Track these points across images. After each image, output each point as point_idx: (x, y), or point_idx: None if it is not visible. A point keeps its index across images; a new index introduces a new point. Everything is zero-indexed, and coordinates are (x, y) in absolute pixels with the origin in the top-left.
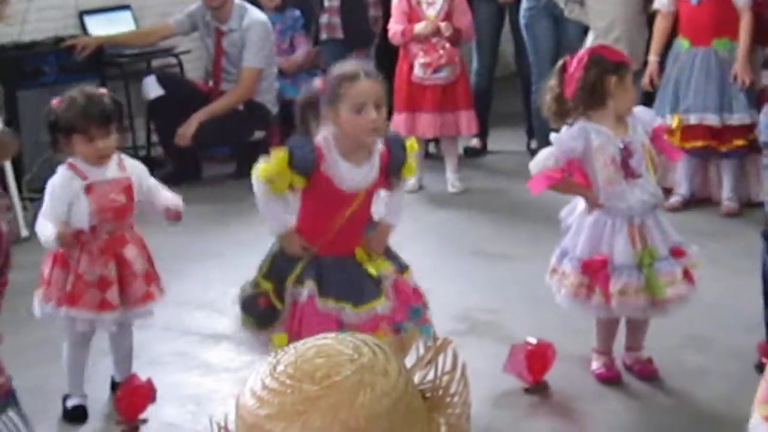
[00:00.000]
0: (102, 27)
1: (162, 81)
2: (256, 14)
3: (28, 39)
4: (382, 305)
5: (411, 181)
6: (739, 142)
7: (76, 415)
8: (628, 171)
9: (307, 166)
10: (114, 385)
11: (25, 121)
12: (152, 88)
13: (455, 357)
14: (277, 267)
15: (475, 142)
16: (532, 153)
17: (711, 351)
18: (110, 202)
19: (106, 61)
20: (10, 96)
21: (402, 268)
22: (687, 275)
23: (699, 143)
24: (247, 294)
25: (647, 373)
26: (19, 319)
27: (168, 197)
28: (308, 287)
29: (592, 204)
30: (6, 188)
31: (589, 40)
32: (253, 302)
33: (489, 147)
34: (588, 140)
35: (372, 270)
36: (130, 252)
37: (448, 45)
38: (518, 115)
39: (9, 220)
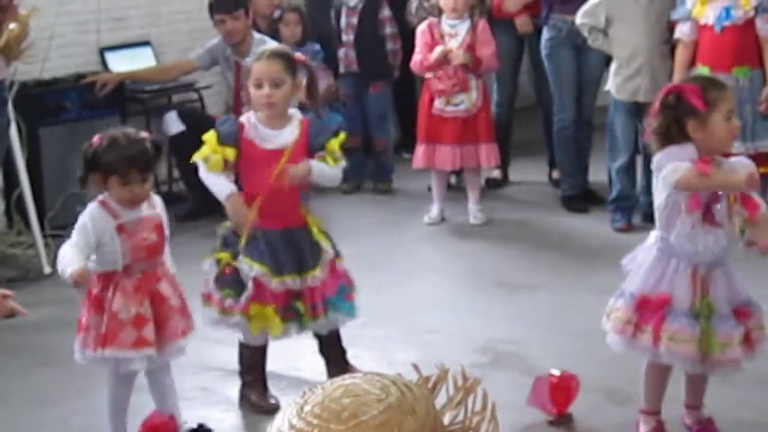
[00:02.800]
0: (123, 63)
1: (183, 116)
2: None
3: (49, 76)
4: (314, 276)
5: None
6: (765, 170)
7: None
8: (708, 216)
9: (232, 137)
10: None
11: (46, 157)
12: (173, 124)
13: (485, 397)
14: (228, 241)
15: (496, 173)
16: (554, 183)
17: (733, 380)
18: (142, 241)
19: (128, 97)
20: (32, 133)
21: (337, 252)
22: (748, 339)
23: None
24: (215, 275)
25: None
26: (41, 356)
27: None
28: (256, 269)
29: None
30: (28, 225)
31: (612, 70)
32: (221, 276)
33: (510, 178)
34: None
35: (322, 238)
36: (165, 288)
37: (461, 73)
38: (539, 145)
39: (30, 258)
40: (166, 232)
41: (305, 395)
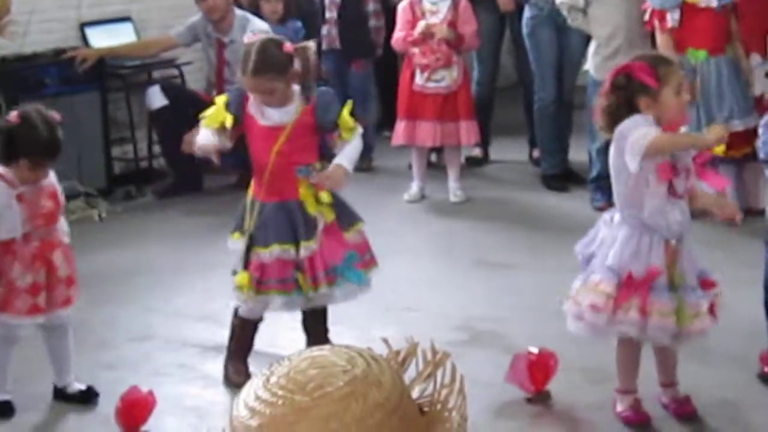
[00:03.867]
0: (103, 39)
1: (166, 91)
2: (258, 25)
3: (29, 51)
4: (307, 248)
5: (409, 191)
6: (748, 149)
7: (3, 410)
8: (671, 189)
9: (234, 105)
10: (57, 392)
11: None
12: (156, 98)
13: (454, 371)
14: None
15: (477, 152)
16: (535, 163)
17: (712, 361)
18: (40, 209)
19: (108, 73)
20: (12, 108)
21: (345, 224)
22: (712, 308)
23: (745, 149)
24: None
25: (685, 413)
26: None
27: None
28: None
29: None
30: None
31: (592, 49)
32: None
33: (491, 156)
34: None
35: (311, 209)
36: (58, 257)
37: (445, 47)
38: (520, 124)
39: None
40: (61, 199)
41: (272, 366)
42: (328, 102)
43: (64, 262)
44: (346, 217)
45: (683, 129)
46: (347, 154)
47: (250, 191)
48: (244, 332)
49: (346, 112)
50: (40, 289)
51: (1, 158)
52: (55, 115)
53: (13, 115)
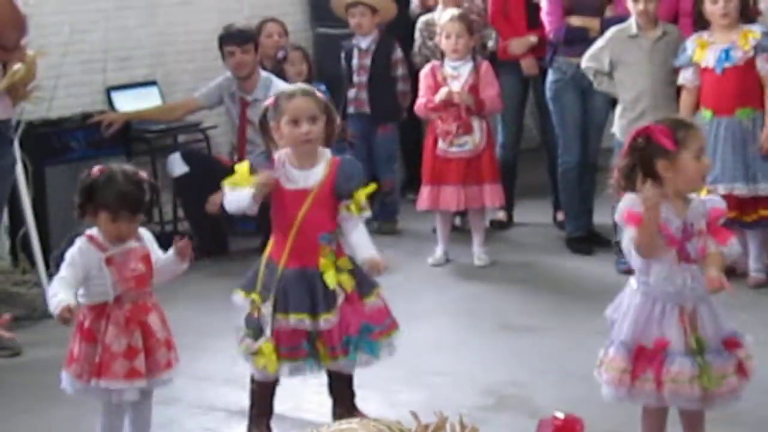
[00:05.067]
0: (129, 103)
1: (187, 158)
2: (282, 86)
3: (55, 115)
4: (326, 320)
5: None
6: (766, 213)
7: None
8: (683, 254)
9: (261, 167)
10: None
11: (52, 196)
12: (177, 166)
13: None
14: (263, 280)
15: (501, 215)
16: (559, 226)
17: (741, 423)
18: (131, 272)
19: (133, 137)
20: (38, 172)
21: (364, 291)
22: (740, 368)
23: (731, 214)
24: (246, 314)
25: None
26: (48, 396)
27: (169, 253)
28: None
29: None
30: (33, 264)
31: (618, 112)
32: (249, 317)
33: (515, 219)
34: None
35: (330, 281)
36: (153, 319)
37: (464, 114)
38: (544, 187)
39: (35, 297)
40: (154, 263)
41: None
42: (351, 172)
43: (160, 325)
44: (365, 282)
45: (712, 197)
46: (368, 242)
47: (267, 253)
48: (262, 396)
49: (365, 191)
50: (137, 352)
51: (82, 211)
52: (142, 173)
53: (95, 168)
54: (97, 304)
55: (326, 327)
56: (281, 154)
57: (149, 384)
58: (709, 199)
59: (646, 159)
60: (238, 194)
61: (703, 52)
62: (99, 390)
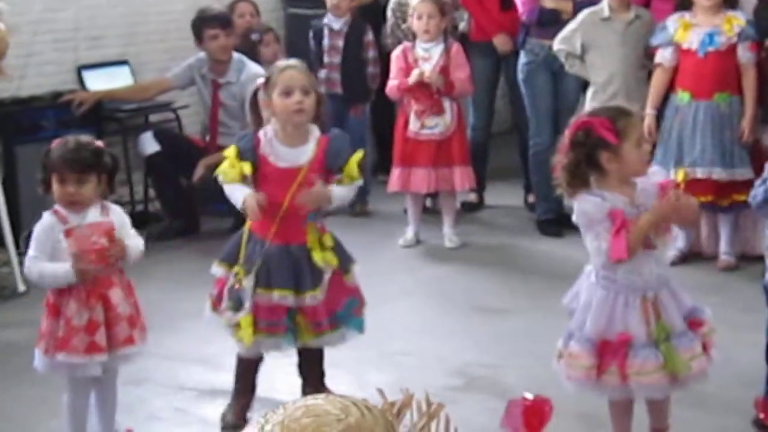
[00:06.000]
0: (100, 82)
1: (158, 137)
2: (254, 68)
3: (26, 94)
4: (312, 296)
5: (408, 236)
6: (740, 198)
7: None
8: (644, 241)
9: (249, 152)
10: None
11: (23, 176)
12: (148, 144)
13: (448, 422)
14: (246, 254)
15: (472, 197)
16: (530, 208)
17: (708, 406)
18: (91, 245)
19: (105, 116)
20: (8, 151)
21: (345, 268)
22: (704, 347)
23: (707, 197)
24: (229, 286)
25: None
26: (19, 377)
27: (129, 244)
28: (250, 281)
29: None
30: (3, 243)
31: (589, 95)
32: (232, 289)
33: (486, 201)
34: (606, 206)
35: (318, 258)
36: (115, 295)
37: (436, 95)
38: (515, 169)
39: (6, 276)
40: (121, 237)
41: (267, 415)
42: (341, 147)
43: (123, 301)
44: (345, 259)
45: (654, 170)
46: (338, 189)
47: (248, 226)
48: (244, 373)
49: (354, 160)
50: (97, 326)
51: (45, 185)
52: (98, 142)
53: (55, 141)
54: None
55: (312, 303)
56: (267, 130)
57: (109, 359)
58: (652, 174)
59: (588, 153)
60: (231, 193)
61: (686, 33)
62: (63, 365)
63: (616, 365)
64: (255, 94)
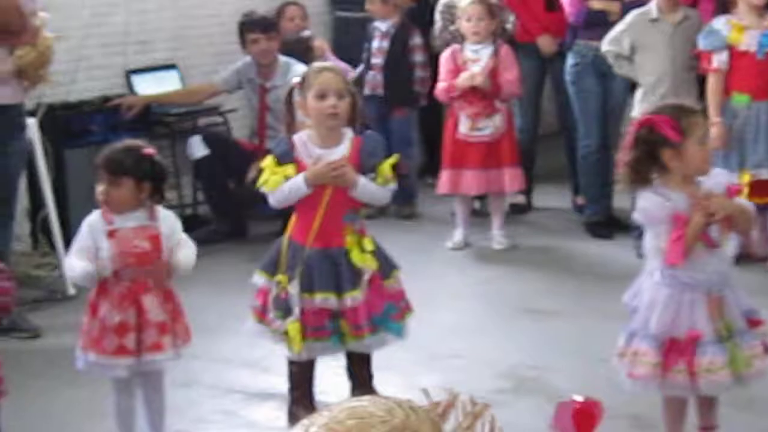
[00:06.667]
0: (149, 86)
1: (207, 140)
2: (300, 70)
3: (75, 98)
4: (353, 298)
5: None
6: None
7: None
8: (707, 240)
9: (288, 156)
10: None
11: (72, 180)
12: (197, 148)
13: (493, 422)
14: (287, 261)
15: (520, 199)
16: (578, 210)
17: (756, 408)
18: (132, 248)
19: (153, 120)
20: (58, 155)
21: (385, 273)
22: (765, 348)
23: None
24: (273, 296)
25: None
26: (72, 381)
27: (179, 256)
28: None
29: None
30: (53, 247)
31: (638, 96)
32: (277, 299)
33: (534, 203)
34: (669, 207)
35: (356, 259)
36: (149, 300)
37: (486, 97)
38: (563, 171)
39: (56, 280)
40: (167, 245)
41: (312, 417)
42: (374, 147)
43: (157, 307)
44: (386, 265)
45: (716, 172)
46: (367, 182)
47: (288, 234)
48: (301, 377)
49: (389, 162)
50: (128, 330)
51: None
52: (149, 148)
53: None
54: (103, 278)
55: (353, 305)
56: (301, 135)
57: (137, 363)
58: (720, 174)
59: (651, 150)
60: (288, 187)
61: (740, 35)
62: (95, 365)
63: (684, 363)
64: (290, 93)
